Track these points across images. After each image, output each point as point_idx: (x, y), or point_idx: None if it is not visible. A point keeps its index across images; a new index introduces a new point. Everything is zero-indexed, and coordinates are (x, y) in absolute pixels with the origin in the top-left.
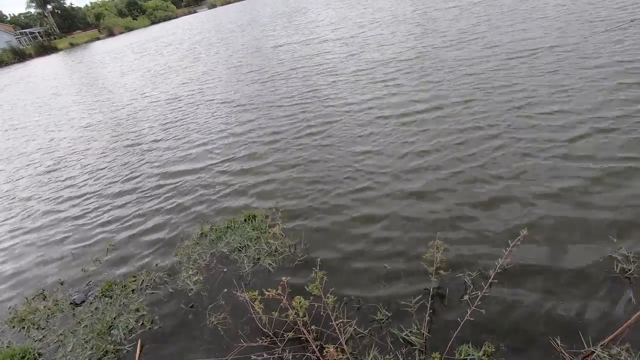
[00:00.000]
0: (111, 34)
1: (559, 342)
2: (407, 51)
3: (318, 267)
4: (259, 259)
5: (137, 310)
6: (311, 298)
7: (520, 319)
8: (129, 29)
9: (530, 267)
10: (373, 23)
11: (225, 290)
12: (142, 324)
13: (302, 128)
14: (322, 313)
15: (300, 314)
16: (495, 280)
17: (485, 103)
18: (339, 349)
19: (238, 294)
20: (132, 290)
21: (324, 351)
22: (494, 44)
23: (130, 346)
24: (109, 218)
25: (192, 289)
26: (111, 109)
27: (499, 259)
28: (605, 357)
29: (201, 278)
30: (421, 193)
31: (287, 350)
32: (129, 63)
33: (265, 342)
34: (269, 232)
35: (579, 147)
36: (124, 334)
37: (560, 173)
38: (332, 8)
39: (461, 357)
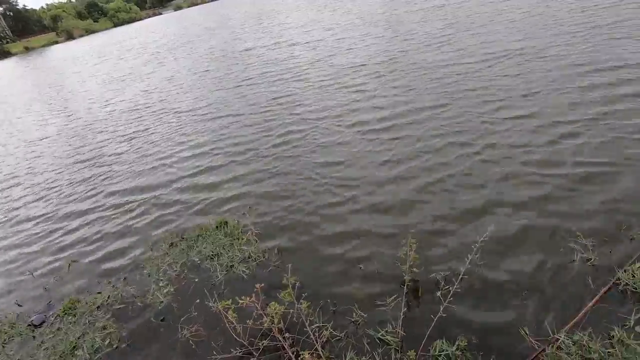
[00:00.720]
0: (70, 37)
1: (527, 331)
2: (376, 55)
3: (289, 273)
4: (232, 266)
5: (104, 327)
6: (286, 304)
7: (490, 312)
8: (90, 31)
9: (498, 264)
10: (342, 26)
11: (198, 300)
12: (109, 342)
13: (270, 138)
14: (295, 319)
15: (276, 321)
16: (466, 276)
17: (455, 108)
18: (314, 355)
19: (210, 304)
20: (98, 307)
21: (300, 357)
22: (461, 47)
23: None
24: (69, 235)
25: (162, 301)
26: (68, 119)
27: (469, 255)
28: (569, 342)
29: (172, 289)
30: (390, 207)
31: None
32: (89, 68)
33: (240, 352)
34: (242, 239)
35: (549, 152)
36: (89, 354)
37: (528, 179)
38: (300, 11)
39: (436, 353)
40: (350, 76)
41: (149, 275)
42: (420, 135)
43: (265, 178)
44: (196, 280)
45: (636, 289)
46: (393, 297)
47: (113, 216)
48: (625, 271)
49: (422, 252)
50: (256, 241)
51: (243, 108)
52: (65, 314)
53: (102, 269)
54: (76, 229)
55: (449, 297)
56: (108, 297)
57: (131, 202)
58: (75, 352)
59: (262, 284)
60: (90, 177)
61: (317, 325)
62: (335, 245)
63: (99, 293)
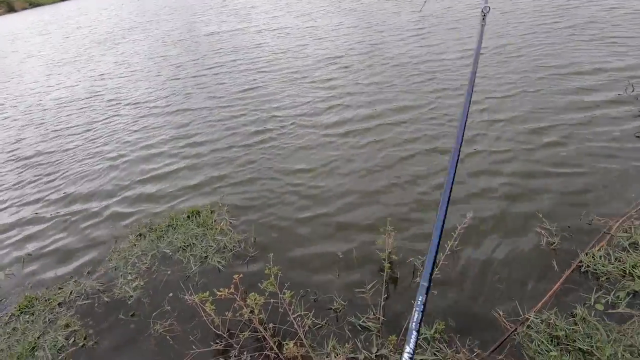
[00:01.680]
0: (11, 9)
1: (500, 312)
2: (351, 47)
3: (272, 262)
4: (206, 257)
5: (67, 325)
6: (267, 294)
7: (466, 296)
8: (34, 4)
9: (472, 250)
10: (314, 14)
11: (171, 294)
12: (74, 340)
13: (236, 137)
14: (280, 309)
15: (256, 312)
16: (445, 262)
17: (433, 109)
18: (298, 344)
19: (186, 297)
20: (59, 304)
21: (284, 347)
22: (440, 41)
23: None
24: (21, 230)
25: (131, 295)
26: (1, 109)
27: (448, 242)
28: (537, 322)
29: (142, 283)
30: (373, 192)
31: (244, 351)
32: (30, 48)
33: (220, 345)
34: (216, 229)
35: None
36: (51, 354)
37: (502, 180)
38: None
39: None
40: (323, 70)
41: (116, 269)
42: (395, 138)
43: (235, 182)
44: (168, 272)
45: (596, 271)
46: (372, 284)
47: (70, 211)
48: (586, 254)
49: (399, 240)
50: (231, 231)
51: (206, 101)
52: (22, 312)
53: (62, 263)
54: (30, 222)
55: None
56: (70, 293)
57: (91, 194)
58: (35, 352)
59: (241, 275)
60: (38, 177)
61: (299, 314)
62: (313, 235)
63: (60, 289)
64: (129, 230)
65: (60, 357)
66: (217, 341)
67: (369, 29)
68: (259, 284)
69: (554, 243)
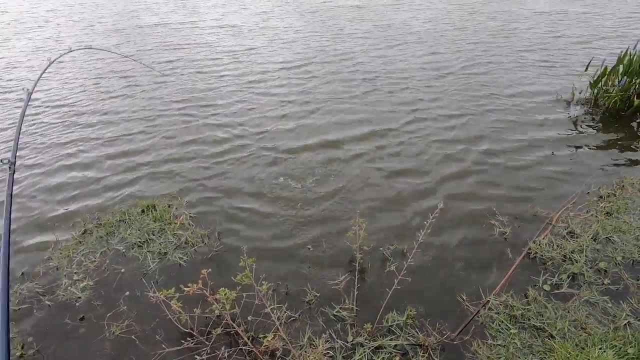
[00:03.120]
0: None
1: (464, 297)
2: (309, 53)
3: (245, 254)
4: (165, 253)
5: None
6: (238, 288)
7: (433, 283)
8: None
9: (438, 241)
10: (272, 13)
11: (127, 293)
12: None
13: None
14: (256, 302)
15: (227, 307)
16: (419, 250)
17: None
18: (277, 336)
19: (149, 294)
20: None
21: (261, 341)
22: (390, 55)
23: None
24: None
25: (79, 297)
26: None
27: (421, 231)
28: (497, 304)
29: (91, 283)
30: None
31: (217, 348)
32: None
33: (190, 343)
34: (175, 223)
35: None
36: None
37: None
38: None
39: (389, 324)
40: (278, 79)
41: (58, 269)
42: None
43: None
44: (122, 270)
45: (542, 257)
46: (344, 275)
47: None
48: (534, 242)
49: (368, 231)
50: (192, 225)
51: (141, 111)
52: None
53: None
54: None
55: (403, 270)
56: None
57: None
58: None
59: (209, 270)
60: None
61: (273, 307)
62: (282, 229)
63: None
64: (72, 226)
65: None
66: (188, 339)
67: (326, 34)
68: (232, 278)
69: (506, 233)
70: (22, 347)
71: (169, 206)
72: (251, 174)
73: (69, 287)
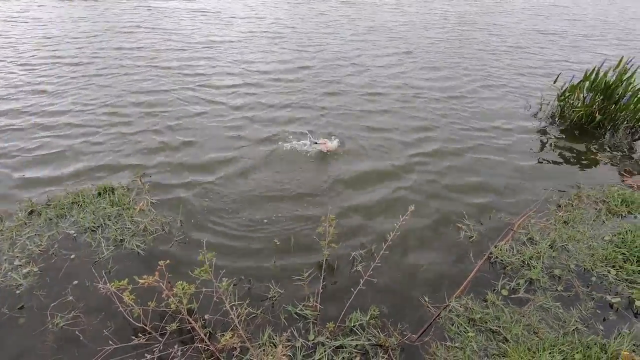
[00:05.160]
0: None
1: (427, 299)
2: (288, 63)
3: (205, 247)
4: (122, 240)
5: None
6: (197, 282)
7: (396, 284)
8: None
9: (403, 243)
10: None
11: (76, 282)
12: None
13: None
14: (215, 298)
15: (184, 302)
16: (387, 252)
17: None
18: (235, 334)
19: (99, 285)
20: None
21: (218, 339)
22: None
23: None
24: None
25: (20, 284)
26: None
27: (391, 233)
28: (457, 307)
29: (35, 269)
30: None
31: (170, 345)
32: None
33: (142, 339)
34: (134, 209)
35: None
36: None
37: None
38: None
39: (352, 324)
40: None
41: None
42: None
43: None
44: (72, 257)
45: (502, 261)
46: (309, 272)
47: None
48: (495, 247)
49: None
50: (152, 212)
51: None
52: None
53: None
54: None
55: (369, 270)
56: None
57: None
58: None
59: (168, 261)
60: None
61: (233, 304)
62: (247, 220)
63: None
64: (17, 206)
65: None
66: (139, 335)
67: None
68: (190, 272)
69: (472, 237)
70: None
71: (128, 190)
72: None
73: (9, 273)
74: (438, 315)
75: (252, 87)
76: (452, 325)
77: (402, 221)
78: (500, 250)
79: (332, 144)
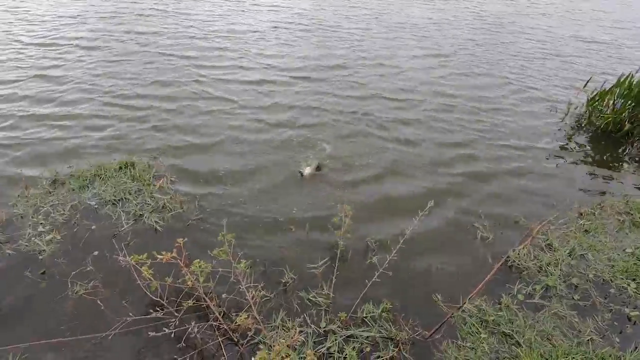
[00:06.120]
0: None
1: (440, 297)
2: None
3: (225, 229)
4: (141, 215)
5: None
6: (214, 262)
7: (410, 280)
8: None
9: (421, 240)
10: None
11: (96, 252)
12: None
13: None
14: (233, 279)
15: (201, 280)
16: (404, 246)
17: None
18: (250, 316)
19: (119, 257)
20: None
21: (233, 318)
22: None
23: None
24: None
25: (43, 250)
26: None
27: (408, 227)
28: (471, 308)
29: (58, 237)
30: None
31: (186, 321)
32: None
33: (160, 313)
34: (154, 185)
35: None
36: None
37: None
38: None
39: (363, 315)
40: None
41: (22, 217)
42: None
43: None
44: (93, 227)
45: (519, 266)
46: (324, 261)
47: None
48: (513, 250)
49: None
50: (171, 190)
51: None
52: None
53: None
54: None
55: (385, 263)
56: None
57: None
58: None
59: (185, 239)
60: None
61: (248, 285)
62: (264, 206)
63: None
64: (42, 174)
65: None
66: (158, 309)
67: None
68: (209, 251)
69: (489, 238)
70: None
71: (148, 166)
72: None
73: (33, 238)
74: (451, 315)
75: (271, 84)
76: (465, 325)
77: (421, 216)
78: (518, 254)
79: (307, 170)
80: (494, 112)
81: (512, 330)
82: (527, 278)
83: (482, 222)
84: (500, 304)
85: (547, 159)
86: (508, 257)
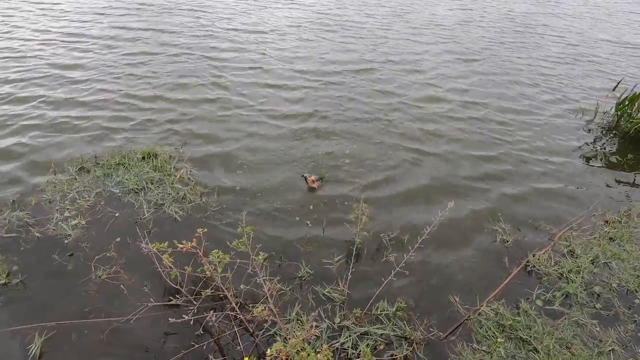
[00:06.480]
0: None
1: (457, 299)
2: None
3: (244, 221)
4: (162, 204)
5: None
6: (232, 253)
7: (429, 281)
8: None
9: (439, 240)
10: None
11: (118, 239)
12: None
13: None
14: (248, 270)
15: (219, 270)
16: (421, 246)
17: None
18: (266, 308)
19: (142, 245)
20: None
21: (251, 310)
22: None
23: None
24: None
25: (69, 234)
26: None
27: (427, 227)
28: (488, 311)
29: (83, 222)
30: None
31: (204, 310)
32: None
33: (178, 300)
34: (175, 176)
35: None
36: None
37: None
38: None
39: (378, 313)
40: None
41: (50, 202)
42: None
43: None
44: (116, 215)
45: (539, 271)
46: (340, 257)
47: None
48: (533, 255)
49: (372, 217)
50: (191, 181)
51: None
52: None
53: None
54: None
55: (402, 262)
56: None
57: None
58: None
59: (205, 230)
60: None
61: (264, 277)
62: (281, 201)
63: None
64: (69, 162)
65: None
66: (178, 296)
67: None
68: (228, 242)
69: (508, 242)
70: (7, 275)
71: (170, 157)
72: None
73: (60, 223)
74: (468, 318)
75: (291, 86)
76: (481, 328)
77: (441, 216)
78: (538, 259)
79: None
80: (518, 114)
81: (530, 336)
82: (547, 284)
83: (502, 225)
84: (518, 308)
85: (573, 163)
86: (528, 261)
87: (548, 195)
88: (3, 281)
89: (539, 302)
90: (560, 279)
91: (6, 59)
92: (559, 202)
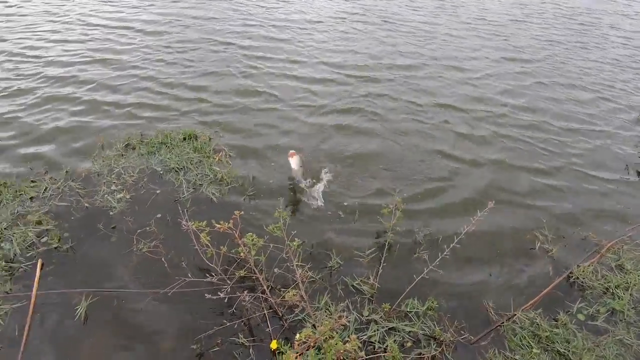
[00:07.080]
0: None
1: (491, 304)
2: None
3: (282, 206)
4: (200, 185)
5: (39, 222)
6: (266, 238)
7: (461, 282)
8: None
9: (475, 242)
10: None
11: (159, 215)
12: (47, 240)
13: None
14: (282, 255)
15: (253, 253)
16: (457, 245)
17: None
18: (297, 293)
19: (183, 222)
20: (31, 198)
21: (281, 294)
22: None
23: (29, 264)
24: None
25: (114, 207)
26: None
27: (465, 226)
28: (524, 319)
29: (127, 197)
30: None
31: (236, 290)
32: None
33: (213, 278)
34: (213, 158)
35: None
36: (20, 249)
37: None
38: None
39: (407, 309)
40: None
41: (98, 175)
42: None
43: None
44: (157, 192)
45: (583, 284)
46: (371, 250)
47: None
48: (577, 267)
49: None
50: (229, 164)
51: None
52: None
53: (38, 155)
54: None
55: (436, 261)
56: (45, 190)
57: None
58: (1, 244)
59: (242, 212)
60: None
61: (296, 263)
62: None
63: (33, 182)
64: (117, 138)
65: (28, 254)
66: (212, 274)
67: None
68: (264, 225)
69: (551, 251)
70: (59, 240)
71: (209, 139)
72: None
73: (107, 195)
74: (501, 324)
75: (327, 82)
76: (515, 336)
77: (480, 216)
78: (583, 271)
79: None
80: (575, 123)
81: (568, 351)
82: (590, 298)
83: (545, 232)
84: (556, 320)
85: (627, 173)
86: (571, 272)
87: (597, 204)
88: (55, 245)
89: (580, 316)
90: (605, 293)
91: (62, 42)
92: (609, 213)
